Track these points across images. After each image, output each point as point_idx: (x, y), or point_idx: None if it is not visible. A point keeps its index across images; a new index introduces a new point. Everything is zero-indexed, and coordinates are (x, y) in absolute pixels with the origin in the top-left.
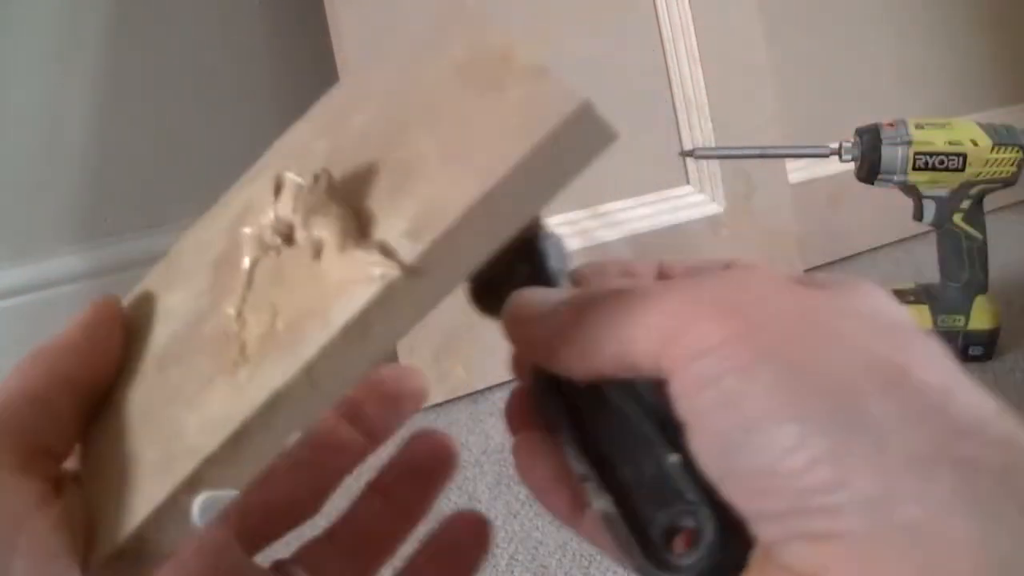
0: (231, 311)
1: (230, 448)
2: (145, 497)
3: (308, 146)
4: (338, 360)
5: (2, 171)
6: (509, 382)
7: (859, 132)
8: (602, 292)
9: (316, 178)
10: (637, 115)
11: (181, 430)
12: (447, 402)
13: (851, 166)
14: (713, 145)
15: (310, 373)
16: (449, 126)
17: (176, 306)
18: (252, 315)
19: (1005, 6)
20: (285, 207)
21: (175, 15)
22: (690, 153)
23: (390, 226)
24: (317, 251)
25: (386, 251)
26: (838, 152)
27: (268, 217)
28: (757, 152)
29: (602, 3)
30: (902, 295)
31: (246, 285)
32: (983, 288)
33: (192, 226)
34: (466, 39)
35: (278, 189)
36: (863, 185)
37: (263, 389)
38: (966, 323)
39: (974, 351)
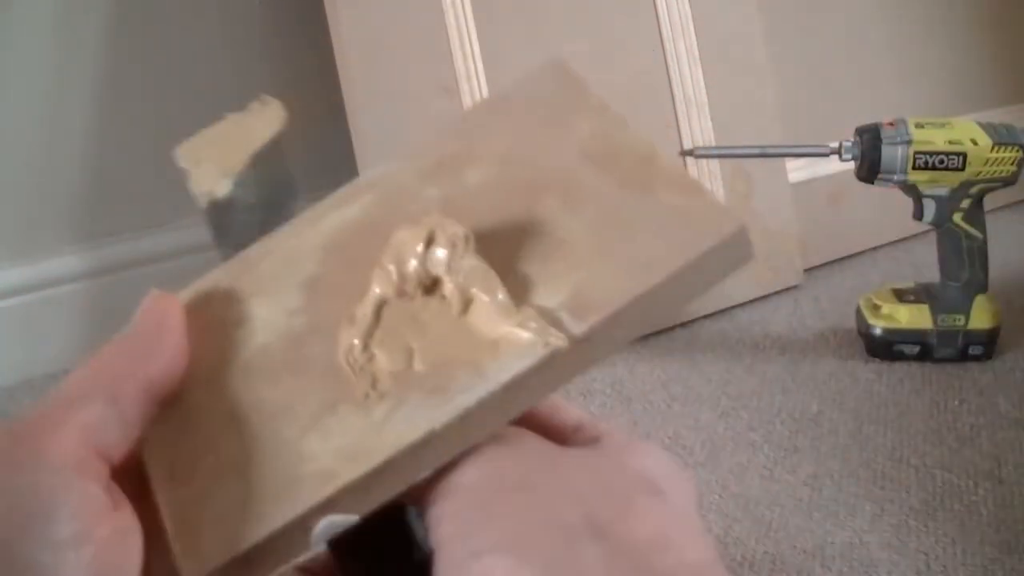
0: (356, 342)
1: (370, 479)
2: (268, 513)
3: (415, 189)
4: (489, 411)
5: (2, 171)
6: None
7: (859, 131)
8: None
9: (467, 238)
10: (637, 115)
11: (305, 453)
12: None
13: (851, 165)
14: (713, 144)
15: (464, 420)
16: (597, 213)
17: (260, 316)
18: (381, 351)
19: (1005, 6)
20: (437, 261)
21: (175, 15)
22: (690, 152)
23: (546, 297)
24: (466, 306)
25: (553, 321)
26: (838, 151)
27: (411, 265)
28: (757, 151)
29: (602, 3)
30: (902, 294)
31: (372, 321)
32: (983, 287)
33: (269, 235)
34: (590, 121)
35: (430, 241)
36: (863, 184)
37: (415, 429)
38: (966, 322)
39: (974, 350)
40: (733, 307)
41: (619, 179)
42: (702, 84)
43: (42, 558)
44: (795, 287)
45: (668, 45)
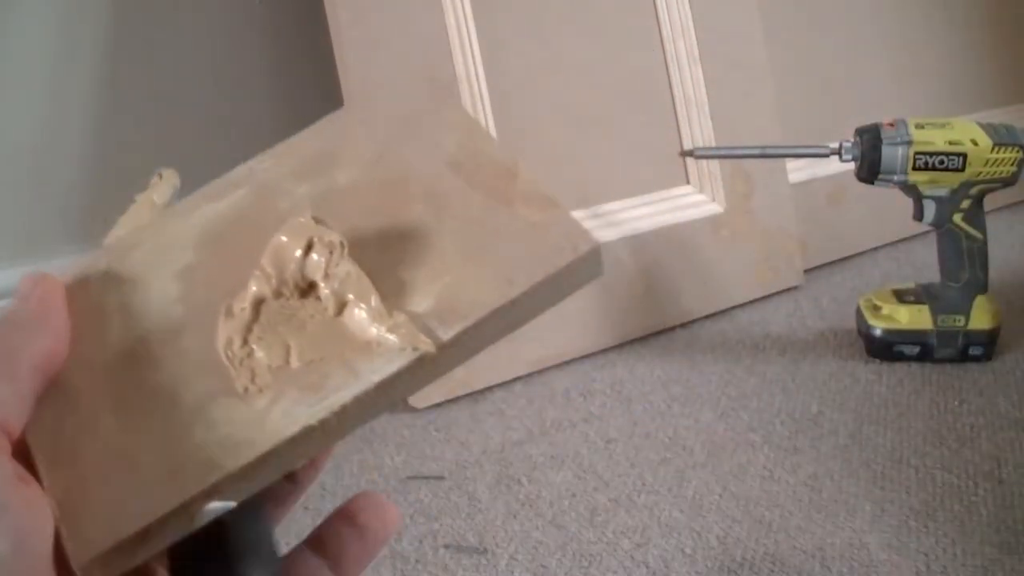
0: (235, 337)
1: (250, 468)
2: (154, 499)
3: (286, 186)
4: (362, 407)
5: (2, 171)
6: (509, 382)
7: (859, 132)
8: None
9: (342, 245)
10: (637, 115)
11: (191, 441)
12: (447, 402)
13: (851, 166)
14: (713, 145)
15: (339, 415)
16: (461, 222)
17: (137, 304)
18: (259, 347)
19: (1005, 6)
20: (315, 268)
21: (175, 16)
22: (690, 153)
23: (415, 302)
24: (340, 308)
25: (422, 327)
26: (838, 152)
27: (289, 270)
28: (757, 152)
29: (602, 3)
30: (902, 295)
31: (251, 317)
32: (983, 288)
33: (135, 221)
34: (456, 131)
35: (308, 248)
36: (863, 185)
37: (294, 423)
38: (966, 323)
39: (974, 351)
40: (733, 307)
41: (482, 190)
42: (702, 84)
43: None
44: (795, 287)
45: (668, 45)
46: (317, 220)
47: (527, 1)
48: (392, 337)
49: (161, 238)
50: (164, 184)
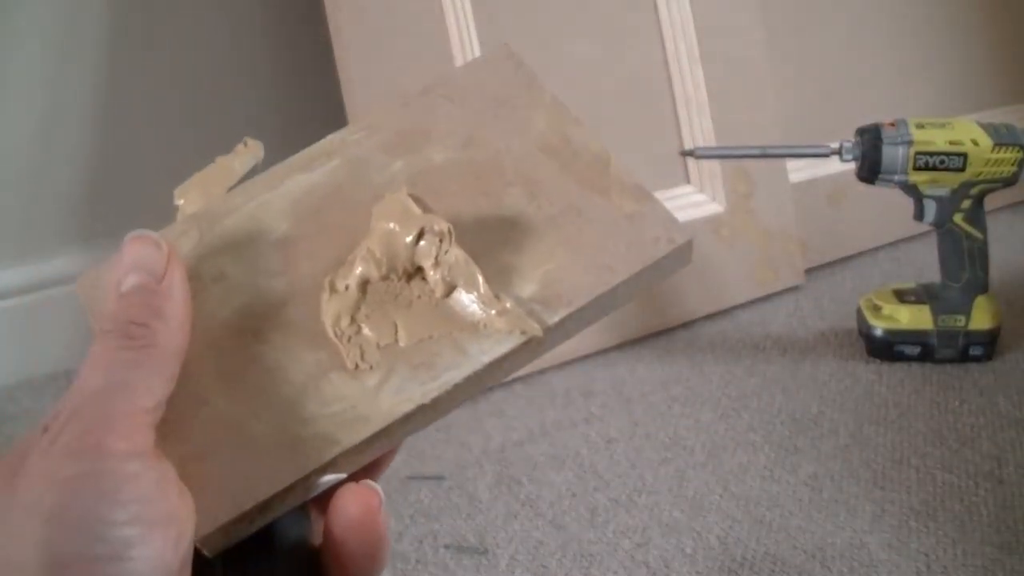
0: (343, 317)
1: (365, 444)
2: (275, 473)
3: (380, 161)
4: (470, 386)
5: (2, 171)
6: (509, 382)
7: (860, 132)
8: None
9: (450, 232)
10: (637, 115)
11: (304, 417)
12: None
13: (852, 166)
14: (714, 145)
15: (451, 394)
16: (559, 209)
17: (237, 275)
18: (367, 324)
19: (1005, 6)
20: (425, 255)
21: (174, 16)
22: (691, 153)
23: (519, 286)
24: (448, 292)
25: (528, 311)
26: (839, 152)
27: (400, 257)
28: (758, 152)
29: (602, 3)
30: (903, 295)
31: (358, 296)
32: (984, 288)
33: (225, 192)
34: (546, 116)
35: (420, 236)
36: (864, 185)
37: (408, 401)
38: (967, 323)
39: (975, 351)
40: (734, 307)
41: (577, 178)
42: (702, 84)
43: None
44: (796, 287)
45: (668, 45)
46: (415, 199)
47: (527, 1)
48: (501, 321)
49: (254, 208)
50: (247, 154)
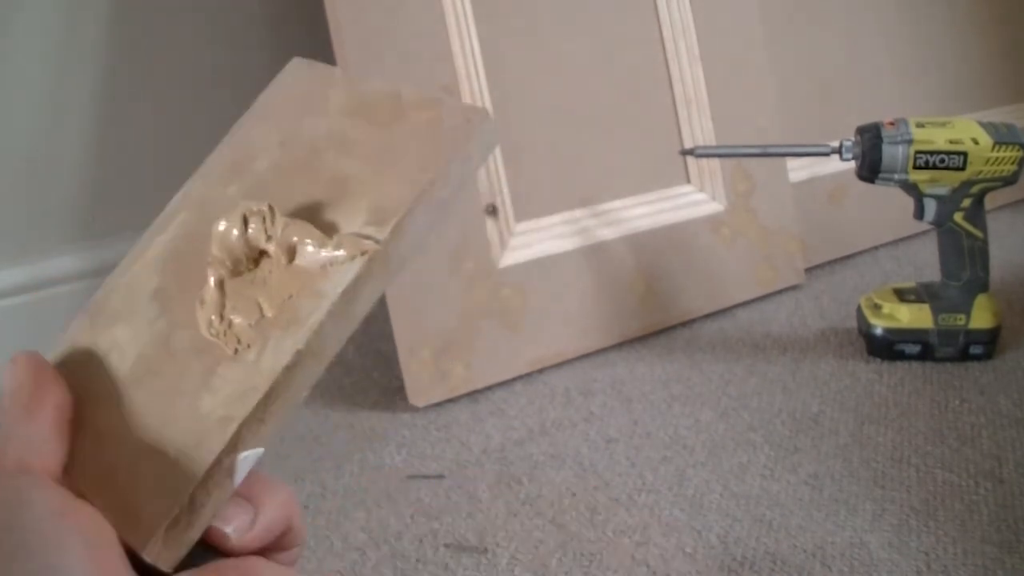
0: (214, 318)
1: (261, 410)
2: (188, 469)
3: (218, 193)
4: (336, 323)
5: (2, 171)
6: (509, 381)
7: (860, 131)
8: None
9: (271, 208)
10: (637, 114)
11: (203, 412)
12: (447, 401)
13: (852, 165)
14: (714, 144)
15: (319, 334)
16: (368, 149)
17: (124, 338)
18: (236, 316)
19: (1005, 6)
20: (257, 236)
21: (174, 16)
22: (691, 152)
23: (350, 223)
24: (291, 255)
25: (362, 236)
26: (839, 151)
27: (237, 249)
28: (758, 151)
29: (602, 3)
30: (903, 294)
31: (219, 297)
32: (984, 287)
33: (100, 287)
34: (342, 89)
35: (245, 223)
36: (864, 184)
37: (284, 355)
38: (967, 322)
39: (975, 350)
40: (734, 307)
41: (379, 120)
42: (702, 84)
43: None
44: (796, 287)
45: (668, 45)
46: (247, 209)
47: (527, 1)
48: (340, 252)
49: (128, 279)
50: None
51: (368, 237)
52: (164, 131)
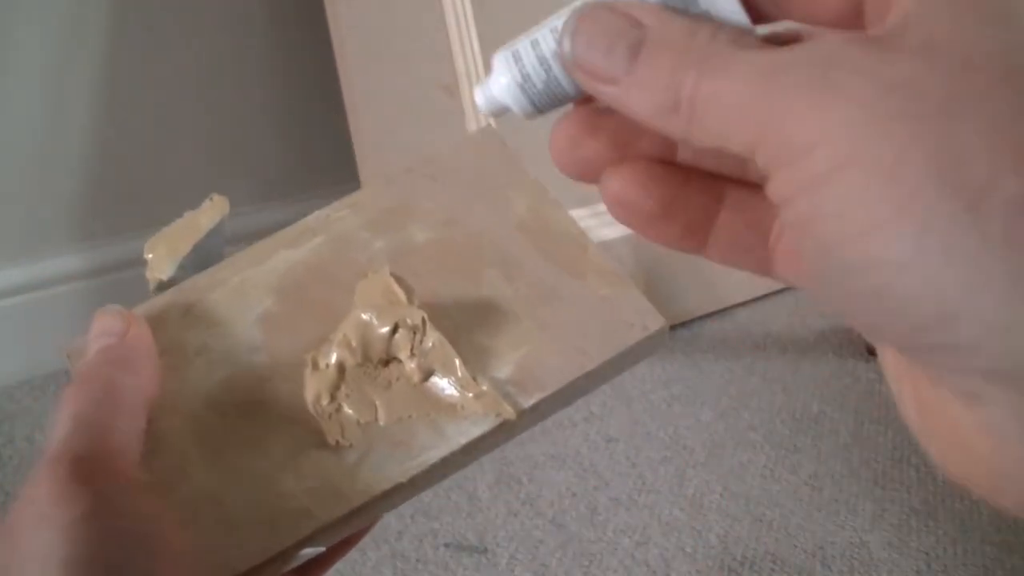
0: (324, 397)
1: (343, 521)
2: (252, 547)
3: (363, 239)
4: (446, 466)
5: (2, 171)
6: None
7: None
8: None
9: (425, 322)
10: None
11: (282, 490)
12: None
13: None
14: None
15: (427, 473)
16: (536, 290)
17: (219, 348)
18: (348, 403)
19: None
20: (400, 347)
21: (175, 17)
22: None
23: (495, 368)
24: (425, 377)
25: (504, 394)
26: None
27: (375, 347)
28: None
29: None
30: None
31: (337, 377)
32: None
33: (214, 266)
34: (527, 198)
35: (395, 330)
36: None
37: (386, 480)
38: None
39: None
40: (734, 307)
41: (554, 260)
42: None
43: None
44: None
45: None
46: (397, 278)
47: (527, 1)
48: (477, 403)
49: (238, 282)
50: (214, 209)
51: (509, 400)
52: (165, 131)
